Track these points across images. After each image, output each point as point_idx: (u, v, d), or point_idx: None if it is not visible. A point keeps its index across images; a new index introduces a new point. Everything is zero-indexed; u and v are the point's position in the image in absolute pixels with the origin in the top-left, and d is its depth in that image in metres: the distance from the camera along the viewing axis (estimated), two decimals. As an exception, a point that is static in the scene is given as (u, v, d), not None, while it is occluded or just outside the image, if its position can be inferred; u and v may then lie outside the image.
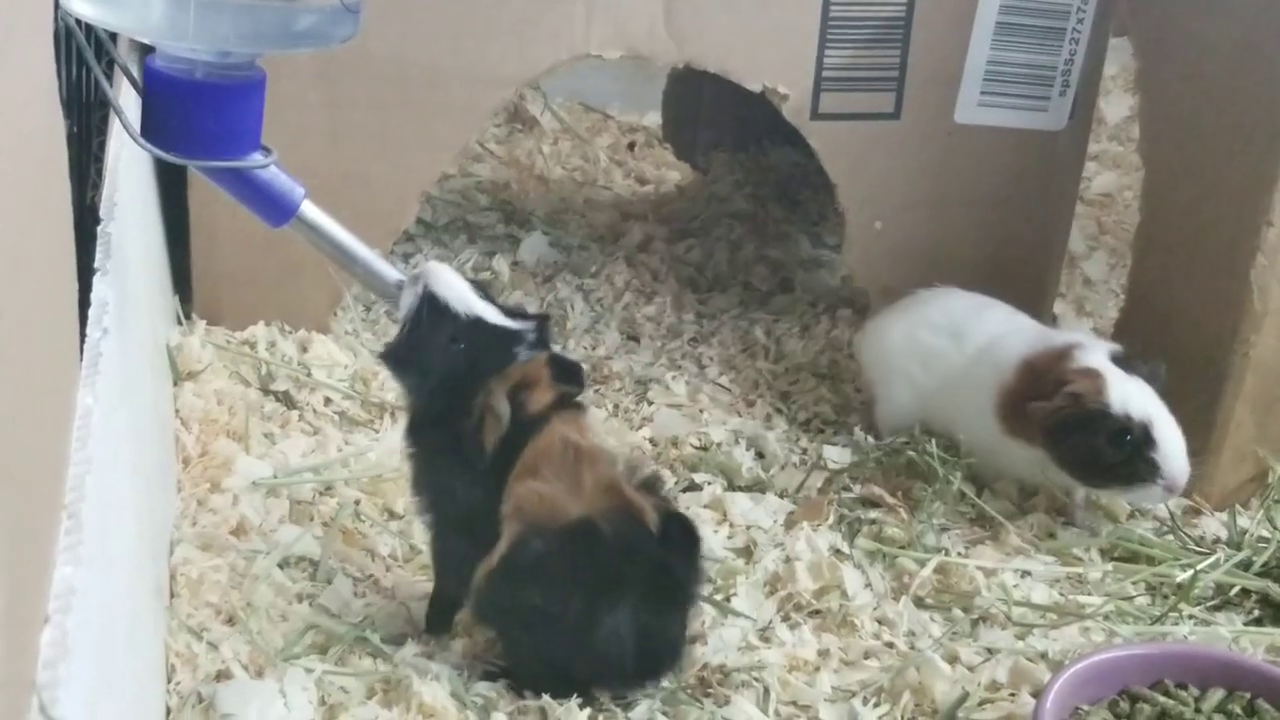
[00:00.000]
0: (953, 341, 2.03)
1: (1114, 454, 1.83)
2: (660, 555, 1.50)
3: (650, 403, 2.20)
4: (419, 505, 1.58)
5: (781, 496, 1.96)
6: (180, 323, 2.17)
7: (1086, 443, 1.84)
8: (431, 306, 1.48)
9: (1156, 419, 1.83)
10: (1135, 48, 2.19)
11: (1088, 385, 1.85)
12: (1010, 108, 2.25)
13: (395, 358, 1.54)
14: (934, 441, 1.99)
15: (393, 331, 1.55)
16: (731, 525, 1.89)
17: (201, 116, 1.41)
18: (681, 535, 1.54)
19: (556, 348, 1.56)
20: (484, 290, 1.51)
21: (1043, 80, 2.23)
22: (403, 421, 1.95)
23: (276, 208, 1.48)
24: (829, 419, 2.19)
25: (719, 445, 2.08)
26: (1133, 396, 1.84)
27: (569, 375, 1.51)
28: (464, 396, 1.47)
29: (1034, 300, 2.36)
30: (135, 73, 1.53)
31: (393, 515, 1.85)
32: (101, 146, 1.75)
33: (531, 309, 2.32)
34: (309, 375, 2.11)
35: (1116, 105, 3.34)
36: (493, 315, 1.49)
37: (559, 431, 1.48)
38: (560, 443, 1.47)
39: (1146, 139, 2.17)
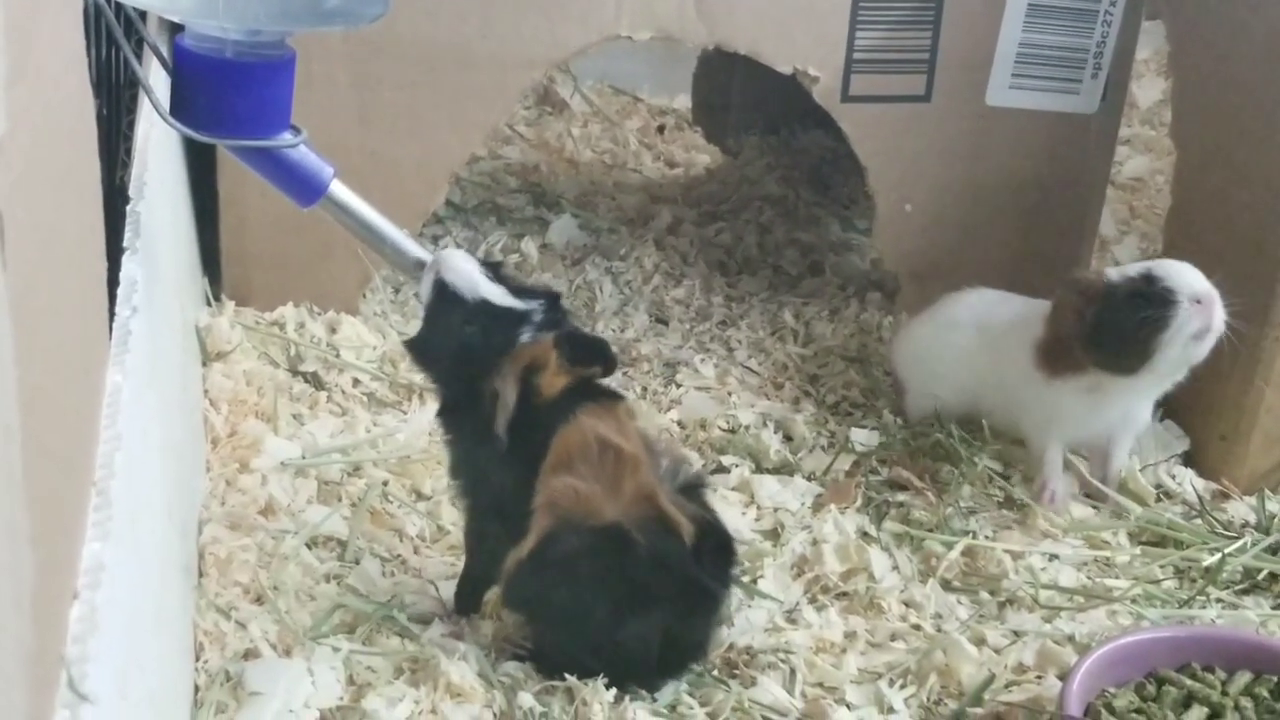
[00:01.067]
0: (981, 333, 2.03)
1: (1134, 313, 1.80)
2: (691, 571, 1.49)
3: (679, 385, 2.20)
4: (455, 490, 1.58)
5: (809, 479, 1.96)
6: (209, 304, 2.18)
7: (1112, 320, 1.82)
8: (442, 293, 1.48)
9: (1153, 265, 1.84)
10: (1168, 31, 2.18)
11: (1087, 274, 1.89)
12: (1042, 90, 2.23)
13: (415, 347, 1.54)
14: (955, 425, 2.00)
15: (420, 315, 1.54)
16: (759, 508, 1.89)
17: (231, 95, 1.41)
18: (715, 549, 1.53)
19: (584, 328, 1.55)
20: (496, 272, 1.51)
21: (1074, 63, 2.22)
22: (433, 405, 1.97)
23: (306, 187, 1.48)
24: (857, 402, 2.18)
25: (747, 428, 2.07)
26: (1126, 265, 1.88)
27: (591, 355, 1.50)
28: (481, 380, 1.47)
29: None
30: (165, 52, 1.53)
31: (420, 496, 1.85)
32: (131, 126, 1.76)
33: (560, 291, 2.32)
34: (337, 356, 2.12)
35: (1149, 89, 3.32)
36: (499, 296, 1.48)
37: (593, 427, 1.46)
38: (598, 441, 1.46)
39: (1178, 123, 2.16)
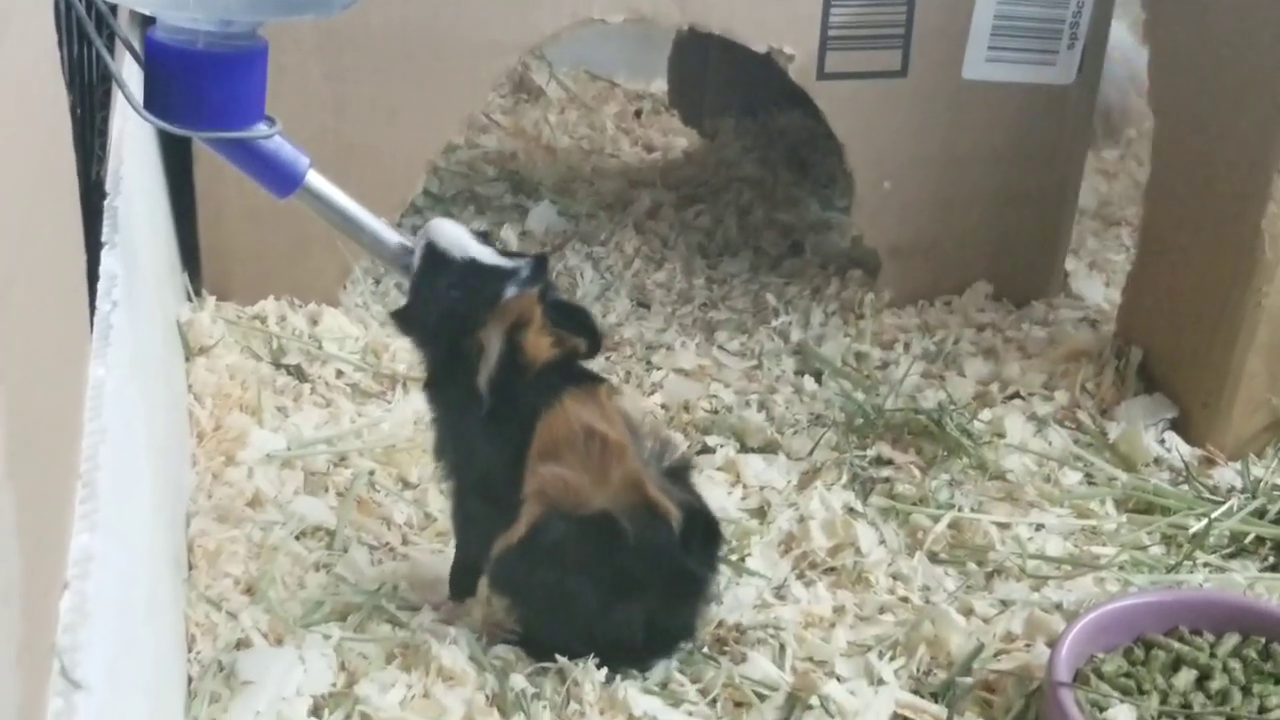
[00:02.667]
0: None
1: None
2: (679, 557, 1.50)
3: (661, 368, 2.20)
4: (440, 471, 1.58)
5: (793, 459, 1.96)
6: (190, 299, 2.18)
7: None
8: (431, 257, 1.48)
9: None
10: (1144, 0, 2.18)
11: None
12: (1018, 62, 2.24)
13: (402, 315, 1.53)
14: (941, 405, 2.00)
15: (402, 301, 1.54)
16: (745, 486, 1.90)
17: (204, 87, 1.40)
18: (702, 534, 1.54)
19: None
20: (485, 237, 1.51)
21: (1050, 34, 2.22)
22: (417, 395, 1.97)
23: (282, 178, 1.47)
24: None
25: (729, 409, 2.08)
26: None
27: (574, 323, 1.49)
28: (467, 341, 1.47)
29: (1045, 257, 2.36)
30: (137, 45, 1.53)
31: (407, 484, 1.85)
32: (105, 121, 1.75)
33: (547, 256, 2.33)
34: (320, 348, 2.12)
35: (1125, 59, 3.32)
36: (487, 256, 1.48)
37: (578, 414, 1.46)
38: (584, 429, 1.45)
39: (1156, 90, 2.16)
